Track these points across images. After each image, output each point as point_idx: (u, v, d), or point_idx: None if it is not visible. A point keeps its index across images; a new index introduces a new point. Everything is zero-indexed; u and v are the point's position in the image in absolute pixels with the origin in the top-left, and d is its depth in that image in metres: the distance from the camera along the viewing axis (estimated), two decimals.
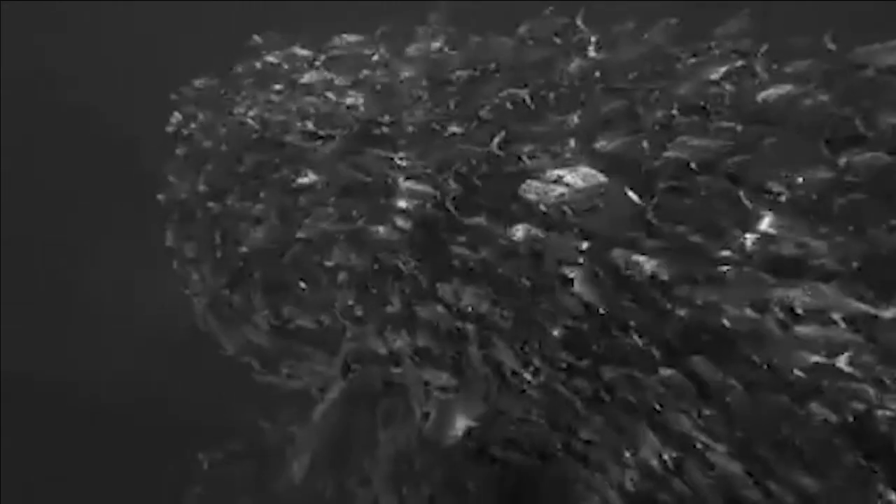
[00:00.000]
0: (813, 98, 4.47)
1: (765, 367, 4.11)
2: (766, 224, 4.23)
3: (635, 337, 4.47)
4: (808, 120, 4.46)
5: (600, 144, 4.79)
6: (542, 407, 5.03)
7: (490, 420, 5.35)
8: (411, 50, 6.08)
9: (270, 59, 6.99)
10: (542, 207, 4.65)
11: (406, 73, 6.03)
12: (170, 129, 8.24)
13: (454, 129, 5.41)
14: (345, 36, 6.52)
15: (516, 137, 5.19)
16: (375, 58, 6.43)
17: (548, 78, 5.46)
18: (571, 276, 4.64)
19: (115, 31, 20.91)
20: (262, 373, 7.63)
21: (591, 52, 5.39)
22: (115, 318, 15.98)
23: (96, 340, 15.39)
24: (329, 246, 6.06)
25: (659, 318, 4.48)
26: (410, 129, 5.89)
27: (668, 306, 4.44)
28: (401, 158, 5.69)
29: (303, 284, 6.61)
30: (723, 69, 4.78)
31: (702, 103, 4.75)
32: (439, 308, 5.31)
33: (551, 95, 5.38)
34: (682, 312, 4.42)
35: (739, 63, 4.79)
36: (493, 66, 5.61)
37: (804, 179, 4.23)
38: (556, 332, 4.84)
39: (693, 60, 5.08)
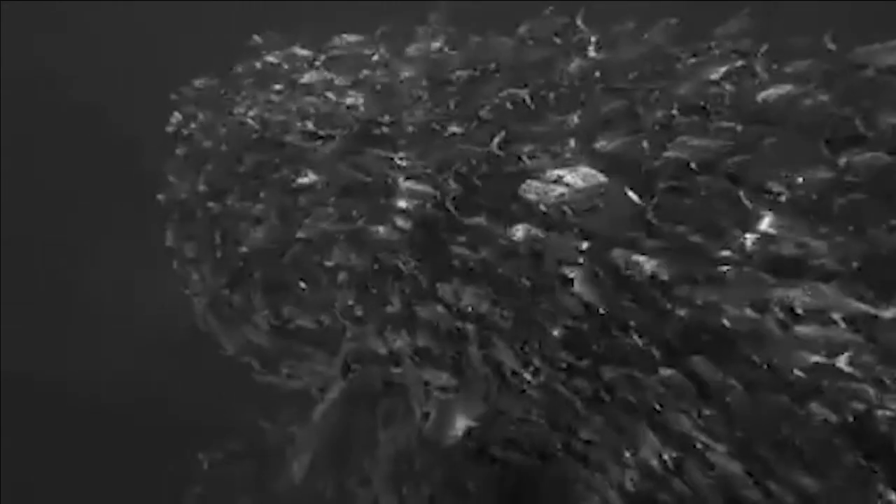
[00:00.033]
0: (813, 98, 4.47)
1: (765, 367, 4.11)
2: (766, 224, 4.23)
3: (635, 337, 4.47)
4: (808, 120, 4.46)
5: (600, 144, 4.79)
6: (542, 407, 5.03)
7: (490, 420, 5.34)
8: (411, 50, 6.08)
9: (270, 58, 6.99)
10: (542, 207, 4.64)
11: (406, 73, 6.03)
12: (170, 128, 8.24)
13: (454, 128, 5.41)
14: (345, 36, 6.52)
15: (516, 137, 5.19)
16: (375, 58, 6.43)
17: (548, 78, 5.46)
18: (572, 276, 4.63)
19: (115, 31, 20.90)
20: (262, 373, 7.63)
21: (591, 52, 5.39)
22: (115, 318, 15.98)
23: (96, 340, 15.39)
24: (329, 246, 6.06)
25: (659, 318, 4.47)
26: (410, 129, 5.89)
27: (668, 306, 4.44)
28: (401, 158, 5.69)
29: (303, 284, 6.61)
30: (723, 69, 4.77)
31: (702, 103, 4.75)
32: (439, 308, 5.31)
33: (551, 95, 5.37)
34: (682, 312, 4.42)
35: (739, 63, 4.79)
36: (493, 66, 5.61)
37: (804, 179, 4.23)
38: (556, 333, 4.84)
39: (693, 60, 5.08)
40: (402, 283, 5.76)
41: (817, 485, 3.95)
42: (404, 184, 5.55)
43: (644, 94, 5.08)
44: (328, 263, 6.07)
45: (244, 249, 6.89)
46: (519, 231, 4.77)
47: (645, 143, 4.71)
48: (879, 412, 3.90)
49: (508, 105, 5.31)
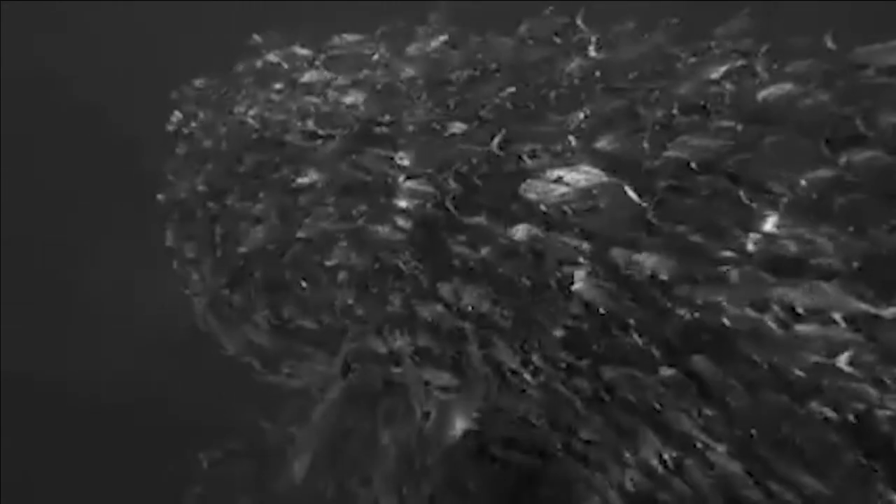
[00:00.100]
0: (813, 98, 4.47)
1: (765, 366, 4.11)
2: (770, 224, 4.22)
3: (635, 336, 4.47)
4: (808, 119, 4.46)
5: (601, 144, 4.79)
6: (542, 406, 5.03)
7: (490, 420, 5.34)
8: (411, 49, 6.08)
9: (271, 57, 6.99)
10: (543, 207, 4.64)
11: (407, 73, 6.03)
12: (170, 127, 8.24)
13: (454, 128, 5.41)
14: (345, 35, 6.52)
15: (517, 137, 5.19)
16: (375, 57, 6.43)
17: (548, 77, 5.46)
18: (577, 275, 4.62)
19: (115, 31, 20.90)
20: (263, 373, 7.63)
21: (592, 52, 5.39)
22: (115, 318, 15.97)
23: (96, 340, 15.38)
24: (329, 245, 6.06)
25: (659, 318, 4.47)
26: (411, 128, 5.89)
27: (669, 305, 4.44)
28: (401, 158, 5.68)
29: (304, 284, 6.61)
30: (723, 68, 4.77)
31: (702, 103, 4.75)
32: (439, 307, 5.31)
33: (552, 94, 5.38)
34: (682, 312, 4.41)
35: (740, 63, 4.79)
36: (493, 65, 5.61)
37: (805, 179, 4.23)
38: (557, 333, 4.83)
39: (693, 60, 5.09)
40: (403, 283, 5.76)
41: (818, 484, 3.95)
42: (405, 183, 5.55)
43: (644, 93, 5.08)
44: (328, 263, 6.07)
45: (244, 249, 6.89)
46: (520, 231, 4.77)
47: (645, 143, 4.71)
48: (880, 412, 3.90)
49: (508, 105, 5.31)
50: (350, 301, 6.17)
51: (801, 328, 3.94)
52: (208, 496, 11.53)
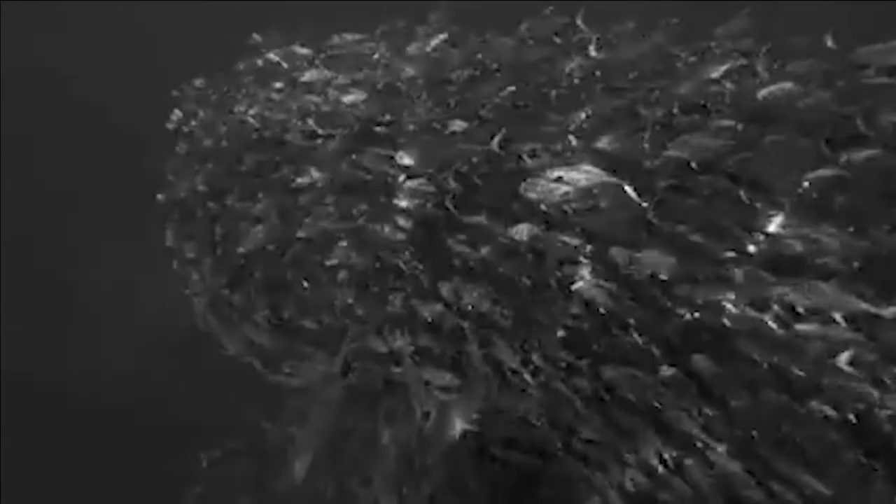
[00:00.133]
0: (814, 97, 4.47)
1: (765, 366, 4.11)
2: (775, 223, 4.21)
3: (635, 335, 4.47)
4: (808, 118, 4.46)
5: (601, 143, 4.79)
6: (543, 406, 5.03)
7: (490, 420, 5.34)
8: (412, 49, 6.08)
9: (271, 56, 6.99)
10: (543, 207, 4.64)
11: (407, 72, 6.03)
12: (170, 126, 8.24)
13: (455, 126, 5.41)
14: (345, 35, 6.52)
15: (517, 136, 5.19)
16: (375, 57, 6.43)
17: (549, 77, 5.46)
18: (580, 273, 4.62)
19: (115, 31, 20.90)
20: (264, 372, 7.62)
21: (592, 52, 5.39)
22: (115, 318, 15.97)
23: (96, 340, 15.38)
24: (329, 245, 6.05)
25: (659, 317, 4.47)
26: (411, 128, 5.89)
27: (669, 305, 4.43)
28: (401, 157, 5.68)
29: (304, 283, 6.60)
30: (723, 68, 4.77)
31: (702, 102, 4.75)
32: (439, 307, 5.31)
33: (552, 94, 5.38)
34: (682, 311, 4.41)
35: (741, 62, 4.79)
36: (494, 65, 5.61)
37: (806, 179, 4.23)
38: (558, 332, 4.83)
39: (693, 59, 5.09)
40: (403, 282, 5.76)
41: (818, 483, 3.95)
42: (405, 183, 5.55)
43: (645, 93, 5.08)
44: (329, 262, 6.07)
45: (243, 249, 6.88)
46: (523, 231, 4.76)
47: (645, 143, 4.71)
48: (880, 412, 3.90)
49: (508, 104, 5.32)
50: (350, 301, 6.17)
51: (801, 327, 3.94)
52: (208, 496, 11.52)
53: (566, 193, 4.52)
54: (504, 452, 5.30)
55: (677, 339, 4.44)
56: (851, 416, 3.92)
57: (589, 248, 4.59)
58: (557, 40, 5.56)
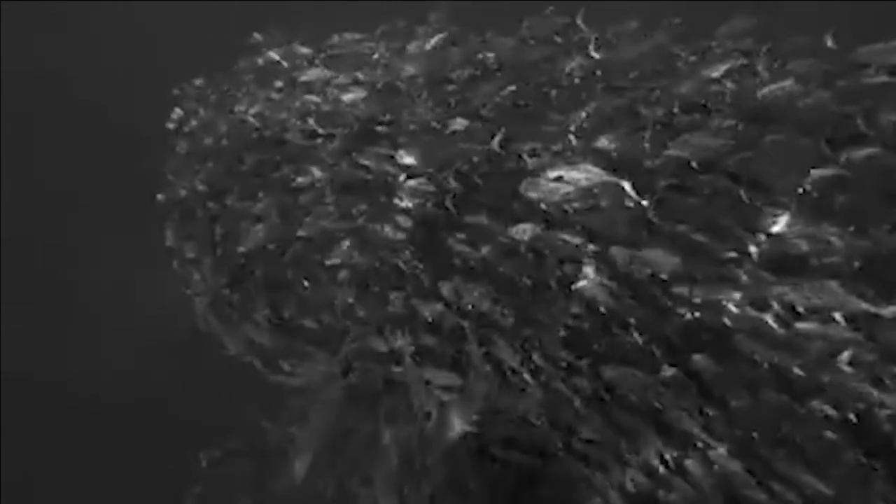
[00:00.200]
0: (814, 97, 4.47)
1: (766, 365, 4.10)
2: (779, 223, 4.21)
3: (636, 335, 4.47)
4: (809, 118, 4.46)
5: (602, 143, 4.79)
6: (543, 406, 5.03)
7: (490, 420, 5.34)
8: (412, 48, 6.08)
9: (271, 55, 6.99)
10: (544, 206, 4.64)
11: (407, 72, 6.03)
12: (170, 125, 8.24)
13: (455, 125, 5.41)
14: (345, 34, 6.53)
15: (517, 136, 5.19)
16: (375, 56, 6.43)
17: (549, 76, 5.46)
18: (584, 272, 4.61)
19: (115, 31, 20.90)
20: (265, 372, 7.62)
21: (592, 52, 5.39)
22: (115, 318, 15.96)
23: (96, 340, 15.37)
24: (330, 244, 6.05)
25: (660, 317, 4.47)
26: (411, 127, 5.89)
27: (669, 304, 4.43)
28: (401, 157, 5.68)
29: (305, 283, 6.60)
30: (724, 67, 4.78)
31: (703, 101, 4.75)
32: (440, 307, 5.31)
33: (553, 93, 5.38)
34: (682, 311, 4.41)
35: (741, 62, 4.80)
36: (494, 65, 5.62)
37: (807, 178, 4.23)
38: (559, 332, 4.83)
39: (693, 59, 5.09)
40: (403, 282, 5.76)
41: (818, 483, 3.95)
42: (405, 182, 5.55)
43: (645, 92, 5.09)
44: (329, 262, 6.06)
45: (244, 249, 6.88)
46: (524, 231, 4.76)
47: (646, 142, 4.71)
48: (880, 411, 3.90)
49: (509, 104, 5.32)
50: (351, 300, 6.17)
51: (801, 326, 3.94)
52: (208, 496, 11.51)
53: (567, 193, 4.52)
54: (504, 452, 5.30)
55: (678, 338, 4.44)
56: (851, 416, 3.92)
57: (591, 247, 4.59)
58: (558, 40, 5.56)
